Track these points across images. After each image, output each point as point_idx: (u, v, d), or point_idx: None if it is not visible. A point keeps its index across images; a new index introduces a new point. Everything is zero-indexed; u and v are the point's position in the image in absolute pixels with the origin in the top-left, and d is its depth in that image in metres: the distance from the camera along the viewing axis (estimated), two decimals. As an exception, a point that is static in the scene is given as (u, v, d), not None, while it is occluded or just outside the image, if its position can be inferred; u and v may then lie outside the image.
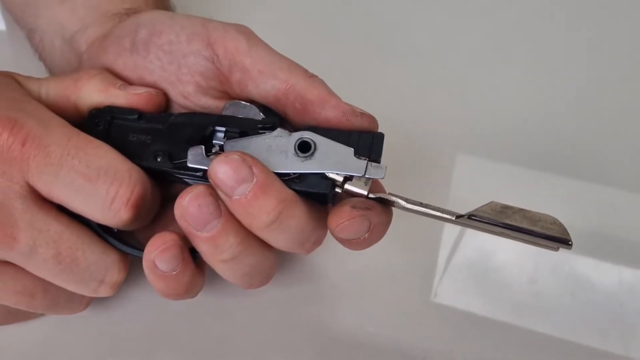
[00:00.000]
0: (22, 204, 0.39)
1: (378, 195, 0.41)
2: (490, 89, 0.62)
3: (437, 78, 0.62)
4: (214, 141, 0.42)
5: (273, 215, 0.38)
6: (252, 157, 0.39)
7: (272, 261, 0.42)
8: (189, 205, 0.38)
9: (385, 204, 0.41)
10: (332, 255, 0.51)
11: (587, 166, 0.56)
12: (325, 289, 0.50)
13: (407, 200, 0.40)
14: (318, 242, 0.42)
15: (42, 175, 0.38)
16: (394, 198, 0.40)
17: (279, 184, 0.39)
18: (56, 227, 0.39)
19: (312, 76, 0.42)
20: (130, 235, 0.44)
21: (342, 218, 0.39)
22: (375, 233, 0.40)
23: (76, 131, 0.40)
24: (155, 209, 0.43)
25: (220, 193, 0.38)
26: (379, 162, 0.41)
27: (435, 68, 0.62)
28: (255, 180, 0.38)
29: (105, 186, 0.39)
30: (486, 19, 0.67)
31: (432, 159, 0.58)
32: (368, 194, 0.40)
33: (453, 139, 0.57)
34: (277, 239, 0.40)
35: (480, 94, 0.61)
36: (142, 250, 0.41)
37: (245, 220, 0.38)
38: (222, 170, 0.38)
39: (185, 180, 0.43)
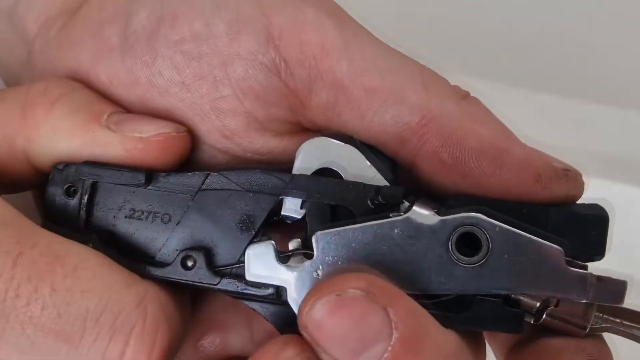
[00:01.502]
0: None
1: (602, 325, 0.22)
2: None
3: None
4: (284, 214, 0.23)
5: None
6: (386, 285, 0.20)
7: None
8: None
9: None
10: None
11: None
12: None
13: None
14: None
15: None
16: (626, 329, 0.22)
17: (436, 333, 0.20)
18: None
19: (467, 96, 0.23)
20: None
21: None
22: None
23: (29, 228, 0.21)
24: (184, 337, 0.25)
25: (326, 358, 0.20)
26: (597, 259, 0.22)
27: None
28: (396, 335, 0.19)
29: (100, 346, 0.20)
30: None
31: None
32: (588, 328, 0.22)
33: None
34: None
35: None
36: None
37: None
38: (333, 324, 0.19)
39: (240, 299, 0.24)
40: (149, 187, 0.24)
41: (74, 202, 0.24)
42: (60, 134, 0.23)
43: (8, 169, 0.24)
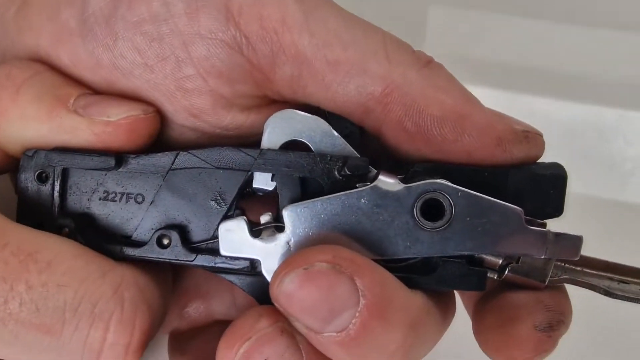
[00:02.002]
0: None
1: (561, 277, 0.24)
2: None
3: None
4: (255, 186, 0.24)
5: (399, 354, 0.21)
6: (352, 256, 0.21)
7: None
8: None
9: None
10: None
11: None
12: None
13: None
14: None
15: None
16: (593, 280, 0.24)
17: (402, 297, 0.21)
18: None
19: (429, 63, 0.23)
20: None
21: (526, 352, 0.22)
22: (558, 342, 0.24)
23: (0, 226, 0.21)
24: (167, 310, 0.26)
25: (298, 325, 0.21)
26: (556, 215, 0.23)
27: None
28: (363, 302, 0.20)
29: (81, 335, 0.21)
30: None
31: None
32: (547, 281, 0.23)
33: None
34: None
35: None
36: None
37: None
38: (303, 296, 0.20)
39: (216, 273, 0.25)
40: (120, 170, 0.24)
41: (46, 188, 0.24)
42: (28, 122, 0.23)
43: None
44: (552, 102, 0.48)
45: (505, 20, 0.51)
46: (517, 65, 0.50)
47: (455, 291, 0.26)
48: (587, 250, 0.25)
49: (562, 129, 0.47)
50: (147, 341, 0.23)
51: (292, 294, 0.20)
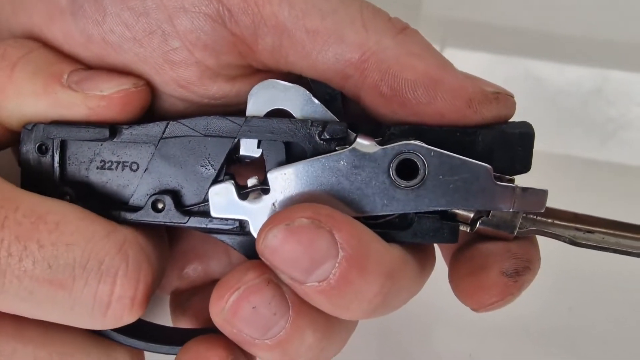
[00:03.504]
0: None
1: (529, 229, 0.25)
2: None
3: None
4: (242, 154, 0.25)
5: (377, 301, 0.23)
6: (331, 212, 0.22)
7: (352, 330, 0.28)
8: (238, 311, 0.23)
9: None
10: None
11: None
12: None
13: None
14: None
15: None
16: (557, 230, 0.25)
17: (379, 249, 0.23)
18: (20, 347, 0.24)
19: (404, 30, 0.24)
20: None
21: (493, 296, 0.24)
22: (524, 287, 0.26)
23: (10, 193, 0.23)
24: (165, 270, 0.28)
25: (283, 277, 0.23)
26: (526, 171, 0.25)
27: None
28: (342, 254, 0.22)
29: (90, 289, 0.23)
30: None
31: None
32: (515, 232, 0.25)
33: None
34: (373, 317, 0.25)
35: None
36: (162, 342, 0.27)
37: (330, 311, 0.23)
38: (286, 249, 0.22)
39: (209, 233, 0.26)
40: (114, 140, 0.26)
41: (46, 159, 0.25)
42: (25, 98, 0.25)
43: None
44: (539, 64, 0.49)
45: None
46: (503, 27, 0.51)
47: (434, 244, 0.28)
48: (566, 206, 0.27)
49: (547, 89, 0.48)
50: (150, 294, 0.24)
51: (276, 248, 0.22)
